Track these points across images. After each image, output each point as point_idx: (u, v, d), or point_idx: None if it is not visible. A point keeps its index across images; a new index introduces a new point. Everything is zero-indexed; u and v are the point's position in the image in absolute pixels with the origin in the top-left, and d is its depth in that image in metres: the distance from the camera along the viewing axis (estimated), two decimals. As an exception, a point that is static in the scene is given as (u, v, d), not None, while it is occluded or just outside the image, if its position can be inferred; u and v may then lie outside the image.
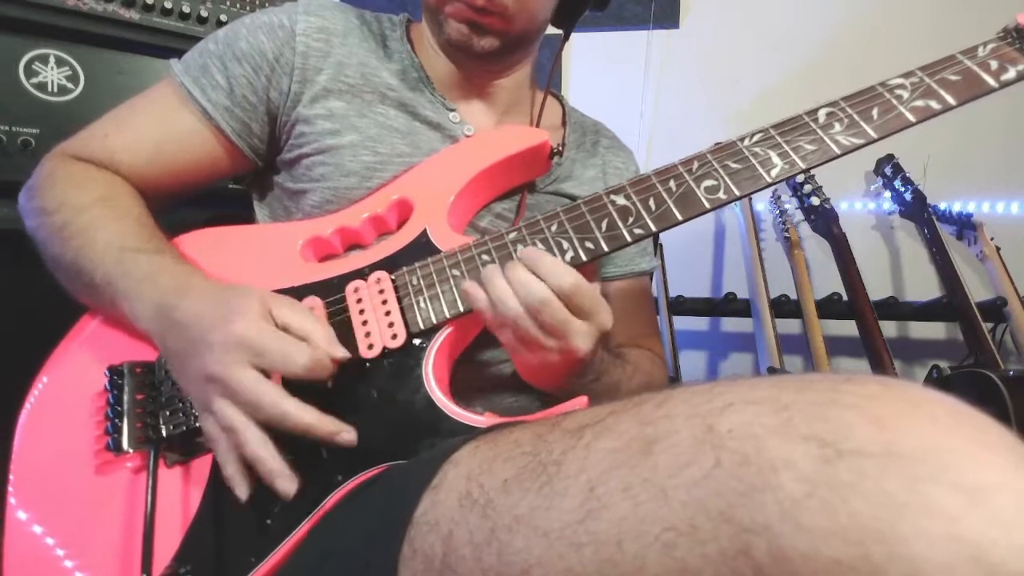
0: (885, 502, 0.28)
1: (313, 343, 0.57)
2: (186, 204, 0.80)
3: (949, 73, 0.65)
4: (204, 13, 1.02)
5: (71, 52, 0.94)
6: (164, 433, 0.60)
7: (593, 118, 0.99)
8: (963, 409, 0.31)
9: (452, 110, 0.81)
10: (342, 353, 0.58)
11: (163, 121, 0.75)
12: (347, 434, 0.56)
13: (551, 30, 0.85)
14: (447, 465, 0.46)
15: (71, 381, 0.66)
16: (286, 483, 0.54)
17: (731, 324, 1.85)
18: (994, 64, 0.65)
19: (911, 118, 0.64)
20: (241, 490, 0.55)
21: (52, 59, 0.92)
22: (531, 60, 0.88)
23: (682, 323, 1.79)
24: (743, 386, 0.36)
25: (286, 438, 0.55)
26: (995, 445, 0.30)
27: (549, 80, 0.92)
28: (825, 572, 0.28)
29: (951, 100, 0.64)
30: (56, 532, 0.58)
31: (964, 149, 1.67)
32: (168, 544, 0.56)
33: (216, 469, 0.60)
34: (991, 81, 0.64)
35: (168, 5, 0.98)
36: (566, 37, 0.89)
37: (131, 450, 0.60)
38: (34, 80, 0.91)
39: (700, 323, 1.87)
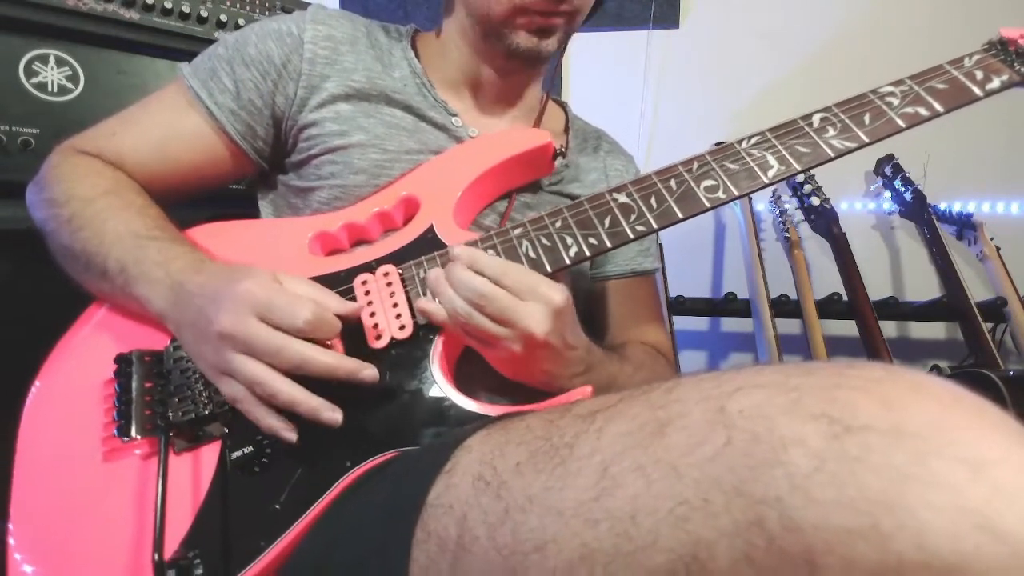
0: (892, 475, 0.29)
1: (322, 305, 0.58)
2: (187, 204, 0.80)
3: (937, 82, 0.69)
4: (204, 13, 1.02)
5: (71, 52, 0.94)
6: (173, 420, 0.60)
7: (595, 126, 1.01)
8: (963, 391, 0.33)
9: (455, 115, 0.82)
10: (352, 307, 0.61)
11: (170, 121, 0.76)
12: (370, 371, 0.58)
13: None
14: (459, 451, 0.47)
15: (79, 370, 0.66)
16: (331, 414, 0.56)
17: (731, 324, 1.85)
18: (979, 74, 0.69)
19: (901, 124, 0.67)
20: (289, 434, 0.57)
21: (52, 59, 0.92)
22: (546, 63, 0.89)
23: (682, 323, 1.79)
24: (750, 372, 0.37)
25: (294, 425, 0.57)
26: (995, 423, 0.31)
27: (550, 85, 0.94)
28: (836, 541, 0.29)
29: (939, 107, 0.68)
30: (65, 518, 0.59)
31: (964, 149, 1.67)
32: (177, 530, 0.57)
33: (224, 456, 0.61)
34: (976, 90, 0.69)
35: (168, 5, 0.98)
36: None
37: (139, 437, 0.60)
38: (34, 80, 0.91)
39: (700, 323, 1.87)
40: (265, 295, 0.56)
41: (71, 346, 0.69)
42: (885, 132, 0.67)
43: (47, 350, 0.68)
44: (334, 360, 0.57)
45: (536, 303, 0.60)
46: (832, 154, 0.67)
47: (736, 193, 0.67)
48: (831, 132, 0.67)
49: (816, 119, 0.69)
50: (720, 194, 0.66)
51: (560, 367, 0.66)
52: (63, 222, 0.69)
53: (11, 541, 0.58)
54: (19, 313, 0.87)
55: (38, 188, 0.73)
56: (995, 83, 0.69)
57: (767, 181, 0.67)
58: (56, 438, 0.63)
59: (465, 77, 0.84)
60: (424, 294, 0.66)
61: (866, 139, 0.66)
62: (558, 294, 0.60)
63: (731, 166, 0.68)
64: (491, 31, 0.78)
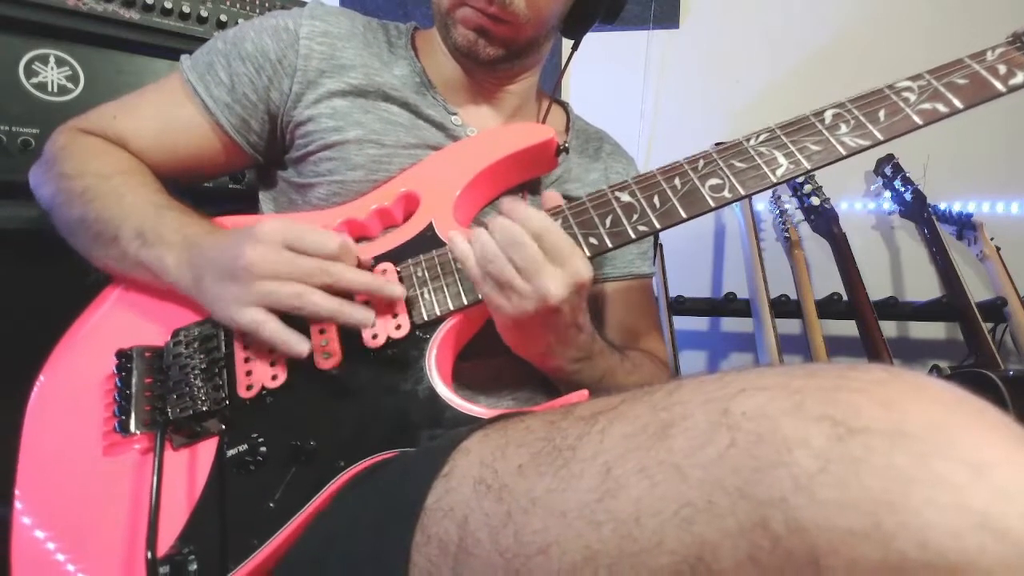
0: (895, 476, 0.29)
1: (340, 236, 0.62)
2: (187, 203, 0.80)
3: (957, 76, 0.66)
4: (204, 13, 1.02)
5: (71, 52, 0.94)
6: (171, 416, 0.60)
7: (596, 126, 1.00)
8: (963, 393, 0.33)
9: (454, 114, 0.82)
10: (365, 257, 0.65)
11: (167, 112, 0.77)
12: (397, 288, 0.63)
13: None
14: (457, 453, 0.47)
15: (81, 365, 0.67)
16: (364, 313, 0.62)
17: (731, 324, 1.85)
18: (1002, 68, 0.65)
19: (918, 121, 0.64)
20: (304, 346, 0.61)
21: (52, 59, 0.92)
22: (539, 67, 0.89)
23: (682, 323, 1.79)
24: (752, 374, 0.37)
25: (287, 424, 0.57)
26: (995, 424, 0.31)
27: (555, 89, 0.94)
28: (839, 541, 0.29)
29: (958, 104, 0.64)
30: (63, 511, 0.59)
31: (964, 149, 1.67)
32: (173, 525, 0.57)
33: (221, 452, 0.61)
34: (999, 85, 0.65)
35: (168, 5, 0.98)
36: (575, 48, 0.90)
37: (138, 432, 0.60)
38: (34, 80, 0.91)
39: (700, 323, 1.87)
40: (292, 228, 0.60)
41: (75, 340, 0.69)
42: (901, 129, 0.64)
43: (47, 348, 0.68)
44: (368, 277, 0.62)
45: (562, 270, 0.60)
46: (844, 152, 0.64)
47: (743, 192, 0.64)
48: (844, 129, 0.64)
49: (828, 115, 0.66)
50: (726, 193, 0.64)
51: (562, 343, 0.66)
52: (75, 195, 0.70)
53: (14, 531, 0.59)
54: (19, 312, 0.87)
55: (46, 166, 0.74)
56: (1019, 78, 0.64)
57: (775, 180, 0.64)
58: (58, 432, 0.63)
59: (456, 75, 0.83)
60: (421, 293, 0.66)
61: (880, 137, 0.63)
62: (586, 270, 0.61)
63: (738, 164, 0.65)
64: (441, 24, 0.78)
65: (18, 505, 0.60)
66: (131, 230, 0.66)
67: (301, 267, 0.59)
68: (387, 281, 0.62)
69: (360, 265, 0.65)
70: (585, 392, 0.58)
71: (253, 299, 0.59)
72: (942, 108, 0.64)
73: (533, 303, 0.60)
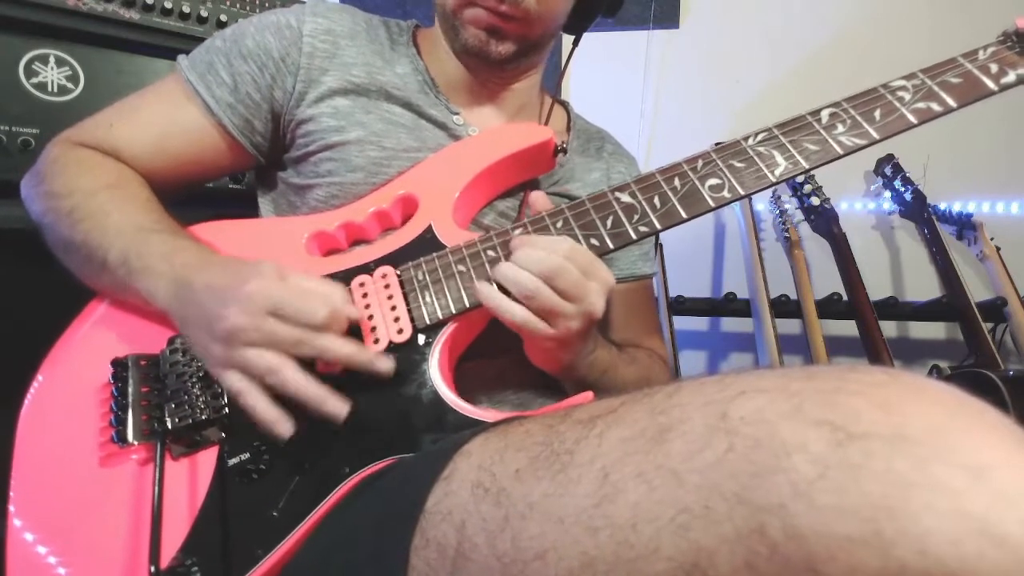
0: (895, 481, 0.29)
1: (331, 301, 0.58)
2: (186, 204, 0.79)
3: (950, 76, 0.66)
4: (204, 13, 1.02)
5: (71, 52, 0.94)
6: (169, 425, 0.60)
7: (597, 126, 1.00)
8: (963, 395, 0.33)
9: (456, 113, 0.81)
10: (356, 313, 0.61)
11: (168, 115, 0.75)
12: (385, 363, 0.59)
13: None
14: (458, 456, 0.47)
15: (75, 374, 0.66)
16: (336, 405, 0.56)
17: (731, 324, 1.85)
18: (994, 67, 0.66)
19: (912, 120, 0.65)
20: (286, 427, 0.56)
21: (52, 59, 0.92)
22: (543, 65, 0.89)
23: (682, 323, 1.79)
24: (751, 376, 0.37)
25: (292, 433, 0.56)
26: (994, 427, 0.31)
27: (556, 87, 0.95)
28: (838, 548, 0.29)
29: (952, 102, 0.65)
30: (61, 524, 0.58)
31: (964, 149, 1.67)
32: (174, 536, 0.56)
33: (222, 461, 0.60)
34: (991, 84, 0.66)
35: (168, 5, 0.98)
36: (576, 43, 0.89)
37: (136, 442, 0.59)
38: (34, 80, 0.91)
39: (700, 323, 1.87)
40: (278, 293, 0.56)
41: (69, 347, 0.68)
42: (896, 128, 0.64)
43: (46, 350, 0.67)
44: (353, 349, 0.58)
45: (598, 282, 0.62)
46: (841, 151, 0.64)
47: (742, 192, 0.65)
48: (840, 128, 0.65)
49: (825, 115, 0.66)
50: (725, 193, 0.65)
51: (586, 345, 0.68)
52: (63, 214, 0.68)
53: (9, 543, 0.58)
54: (18, 312, 0.87)
55: (36, 181, 0.72)
56: (1011, 77, 0.65)
57: (774, 180, 0.65)
58: (54, 442, 0.62)
59: (459, 74, 0.83)
60: (422, 296, 0.65)
61: (876, 136, 0.64)
62: (611, 275, 0.64)
63: (737, 164, 0.66)
64: (448, 25, 0.78)
65: (13, 517, 0.59)
66: (118, 256, 0.64)
67: (283, 339, 0.56)
68: (376, 356, 0.59)
69: (352, 326, 0.61)
70: (590, 394, 0.58)
71: (233, 364, 0.57)
72: (936, 107, 0.65)
73: (579, 321, 0.62)
